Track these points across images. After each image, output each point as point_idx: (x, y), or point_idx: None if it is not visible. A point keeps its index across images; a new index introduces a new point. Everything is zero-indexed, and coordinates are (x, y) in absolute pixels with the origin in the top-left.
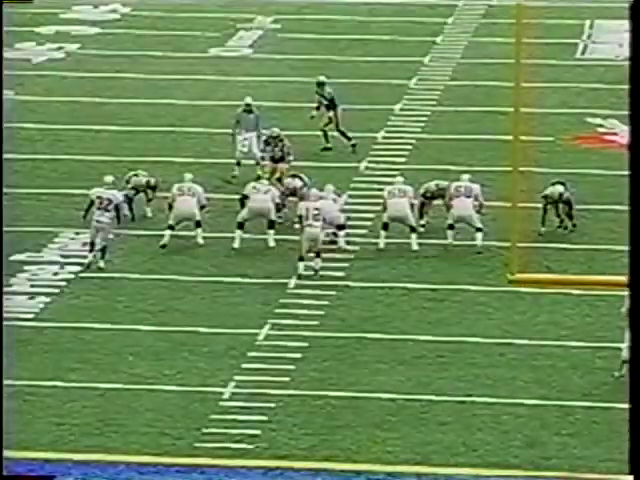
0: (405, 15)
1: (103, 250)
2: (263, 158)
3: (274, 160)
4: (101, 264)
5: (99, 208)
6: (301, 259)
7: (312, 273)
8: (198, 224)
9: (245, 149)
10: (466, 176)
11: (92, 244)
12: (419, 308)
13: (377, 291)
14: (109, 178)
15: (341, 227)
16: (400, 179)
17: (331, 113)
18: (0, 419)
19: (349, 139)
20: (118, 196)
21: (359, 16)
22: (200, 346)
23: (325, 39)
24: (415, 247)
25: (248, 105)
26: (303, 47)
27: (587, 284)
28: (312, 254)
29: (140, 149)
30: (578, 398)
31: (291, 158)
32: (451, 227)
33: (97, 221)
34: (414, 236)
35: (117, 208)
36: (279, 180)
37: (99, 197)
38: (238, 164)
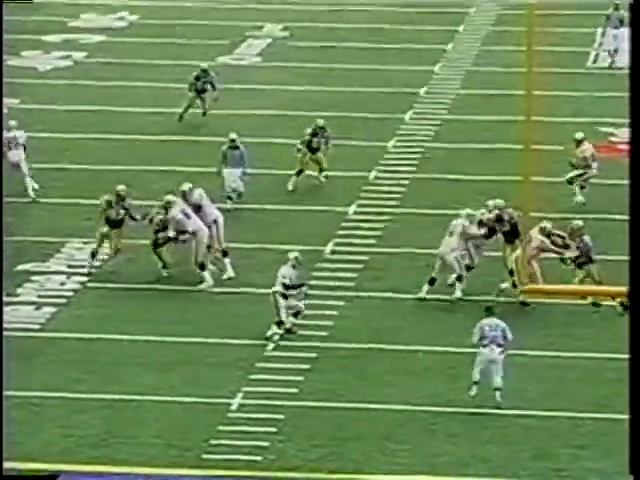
0: (415, 23)
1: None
2: (299, 150)
3: (311, 149)
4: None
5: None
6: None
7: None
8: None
9: (234, 184)
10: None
11: None
12: (429, 319)
13: (387, 302)
14: None
15: (225, 253)
16: (463, 212)
17: (206, 95)
18: (0, 421)
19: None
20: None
21: (369, 24)
22: (208, 357)
23: (335, 47)
24: (458, 294)
25: (233, 141)
26: (313, 55)
27: (597, 294)
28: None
29: (148, 158)
30: (588, 409)
31: (329, 146)
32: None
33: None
34: (458, 285)
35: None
36: (321, 171)
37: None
38: (229, 198)
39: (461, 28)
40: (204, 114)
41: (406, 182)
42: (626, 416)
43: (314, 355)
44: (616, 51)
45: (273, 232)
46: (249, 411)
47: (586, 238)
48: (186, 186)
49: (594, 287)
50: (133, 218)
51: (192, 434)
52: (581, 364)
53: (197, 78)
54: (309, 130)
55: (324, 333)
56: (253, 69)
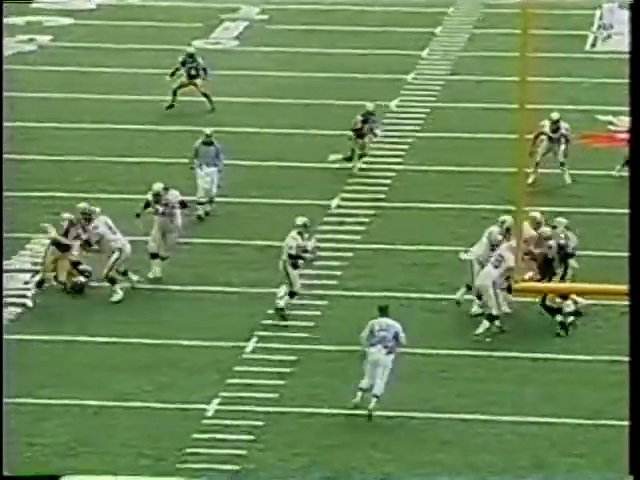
0: (402, 5)
1: None
2: (350, 139)
3: (359, 135)
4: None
5: None
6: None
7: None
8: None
9: (207, 186)
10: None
11: None
12: (418, 319)
13: (372, 301)
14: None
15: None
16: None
17: (198, 80)
18: (0, 424)
19: (211, 103)
20: None
21: (352, 5)
22: (182, 360)
23: (316, 30)
24: (479, 329)
25: (208, 136)
26: (292, 39)
27: (591, 293)
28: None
29: (118, 148)
30: (589, 416)
31: (377, 132)
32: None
33: None
34: (484, 324)
35: None
36: (361, 156)
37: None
38: (210, 201)
39: (451, 10)
40: (212, 109)
41: (392, 174)
42: (627, 422)
43: (295, 358)
44: (611, 26)
45: (251, 227)
46: (226, 417)
47: (552, 243)
48: (158, 186)
49: (591, 285)
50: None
51: (165, 442)
52: (580, 367)
53: (183, 63)
54: (359, 117)
55: (306, 334)
56: (230, 54)
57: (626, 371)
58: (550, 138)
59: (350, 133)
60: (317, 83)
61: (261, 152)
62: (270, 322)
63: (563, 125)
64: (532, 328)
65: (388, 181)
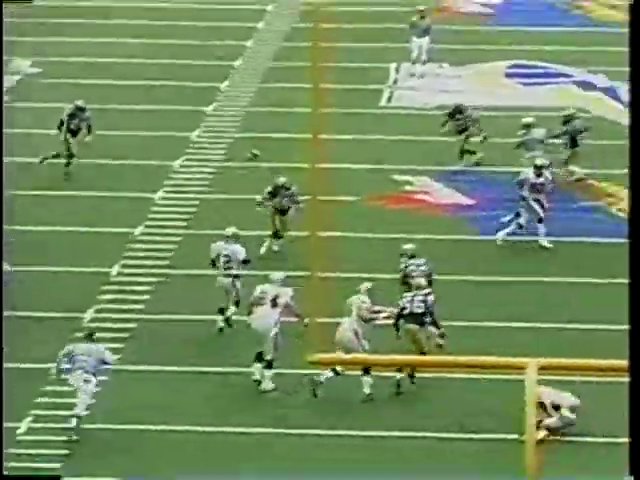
0: (185, 57)
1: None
2: (260, 204)
3: (281, 212)
4: None
5: None
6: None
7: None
8: None
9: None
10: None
11: None
12: (206, 394)
13: (155, 375)
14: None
15: None
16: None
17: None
18: (0, 419)
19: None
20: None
21: (133, 58)
22: None
23: (94, 85)
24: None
25: None
26: (69, 94)
27: (394, 365)
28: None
29: None
30: None
31: (300, 206)
32: None
33: None
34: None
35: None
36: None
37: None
38: None
39: (237, 64)
40: (68, 165)
41: (177, 239)
42: None
43: (71, 437)
44: (424, 62)
45: (25, 297)
46: None
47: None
48: None
49: (407, 357)
50: None
51: None
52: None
53: (71, 116)
54: (269, 188)
55: (86, 412)
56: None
57: (455, 447)
58: (533, 185)
59: (262, 200)
60: (100, 142)
61: (36, 216)
62: (45, 400)
63: (546, 172)
64: (351, 406)
65: (173, 246)
